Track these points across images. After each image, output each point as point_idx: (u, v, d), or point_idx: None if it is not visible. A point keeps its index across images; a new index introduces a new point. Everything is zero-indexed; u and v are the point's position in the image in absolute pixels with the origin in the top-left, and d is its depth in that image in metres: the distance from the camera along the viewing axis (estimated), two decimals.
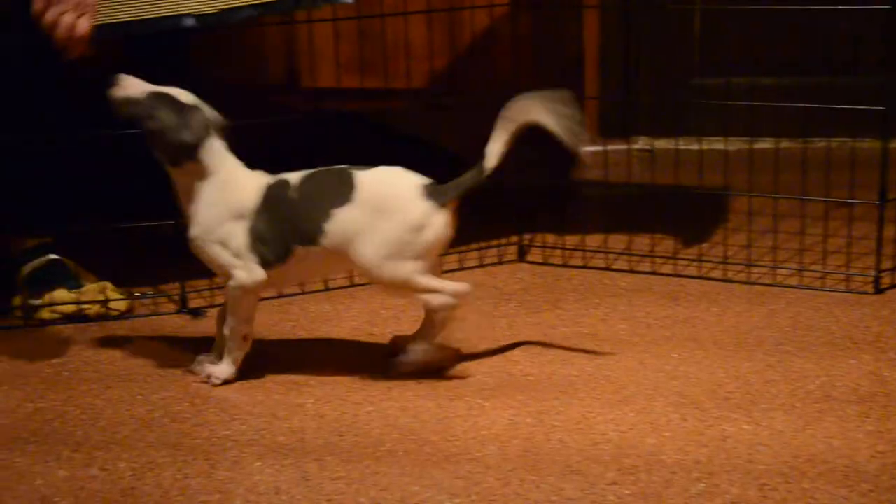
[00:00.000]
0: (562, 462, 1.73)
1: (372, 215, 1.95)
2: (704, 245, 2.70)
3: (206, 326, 2.31)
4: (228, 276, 2.00)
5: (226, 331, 2.03)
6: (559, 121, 1.93)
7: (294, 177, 2.01)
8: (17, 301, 2.37)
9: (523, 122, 1.96)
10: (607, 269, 2.62)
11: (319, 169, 2.03)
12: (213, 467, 1.74)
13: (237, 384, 2.03)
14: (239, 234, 1.97)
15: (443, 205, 1.97)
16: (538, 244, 2.72)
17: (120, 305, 2.38)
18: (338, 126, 3.15)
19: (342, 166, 2.02)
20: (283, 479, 1.70)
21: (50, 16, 1.87)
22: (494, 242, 2.71)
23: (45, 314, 2.34)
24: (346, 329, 2.30)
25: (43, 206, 2.45)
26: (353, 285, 2.52)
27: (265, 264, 1.99)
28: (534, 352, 2.16)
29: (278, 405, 1.95)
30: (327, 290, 2.50)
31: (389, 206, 1.96)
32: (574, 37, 3.26)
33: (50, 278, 2.37)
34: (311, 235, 1.97)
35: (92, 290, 2.37)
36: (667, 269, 2.59)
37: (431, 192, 1.98)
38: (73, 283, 2.37)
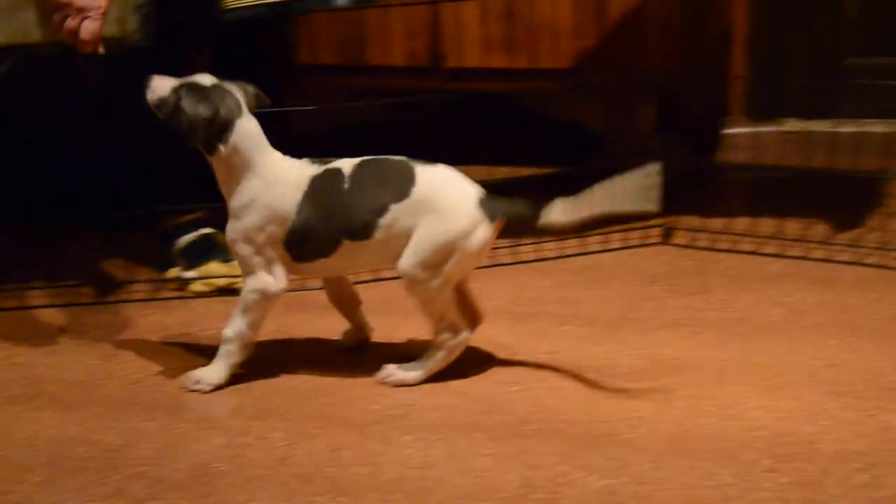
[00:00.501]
0: (715, 447, 1.70)
1: (423, 214, 1.88)
2: (859, 230, 2.61)
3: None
4: (250, 276, 1.94)
5: (229, 332, 1.95)
6: (637, 199, 1.84)
7: (345, 165, 1.93)
8: (172, 274, 2.45)
9: (605, 211, 1.89)
10: (756, 253, 2.55)
11: (373, 157, 1.94)
12: (364, 440, 1.77)
13: (383, 359, 2.05)
14: (275, 238, 1.90)
15: (492, 219, 1.90)
16: (683, 227, 2.67)
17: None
18: (480, 107, 3.16)
19: (399, 157, 1.94)
20: (432, 454, 1.72)
21: (56, 18, 1.92)
22: (639, 224, 2.67)
23: (199, 286, 2.41)
24: (488, 308, 2.29)
25: (194, 182, 2.53)
26: (495, 265, 2.52)
27: (300, 258, 1.93)
28: (682, 335, 2.12)
29: (427, 381, 1.97)
30: None
31: (442, 207, 1.88)
32: (723, 15, 3.18)
33: (204, 252, 2.44)
34: (362, 229, 1.90)
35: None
36: (819, 254, 2.52)
37: (484, 203, 1.90)
38: (226, 257, 2.43)
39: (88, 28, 1.92)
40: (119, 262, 2.57)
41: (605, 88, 2.88)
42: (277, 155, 1.95)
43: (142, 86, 1.91)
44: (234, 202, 1.93)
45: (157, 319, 2.28)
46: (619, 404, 1.86)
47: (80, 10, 1.91)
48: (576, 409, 1.85)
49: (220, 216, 2.39)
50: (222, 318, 2.25)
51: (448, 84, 2.90)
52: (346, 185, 1.90)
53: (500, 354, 2.07)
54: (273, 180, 1.91)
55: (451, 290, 1.92)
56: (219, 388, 1.94)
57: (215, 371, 1.95)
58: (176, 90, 1.90)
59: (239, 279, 2.39)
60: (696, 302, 2.28)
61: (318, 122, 2.35)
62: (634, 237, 2.64)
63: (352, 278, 2.08)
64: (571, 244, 2.59)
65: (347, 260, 1.94)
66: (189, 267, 2.43)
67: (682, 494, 1.58)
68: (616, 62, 2.71)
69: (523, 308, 2.28)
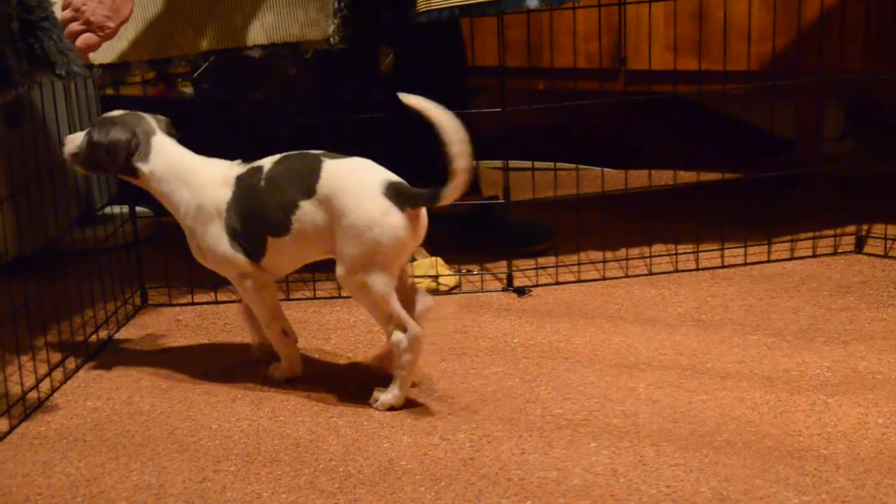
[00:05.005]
0: None
1: (332, 209, 1.83)
2: None
3: (531, 304, 2.33)
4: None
5: (266, 331, 2.00)
6: None
7: (266, 163, 1.92)
8: None
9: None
10: None
11: (290, 153, 1.92)
12: (549, 444, 1.76)
13: (567, 363, 2.04)
14: (220, 233, 1.92)
15: (402, 207, 1.81)
16: (878, 235, 2.56)
17: (449, 281, 2.45)
18: (663, 110, 3.11)
19: (314, 152, 1.90)
20: (619, 462, 1.69)
21: (65, 15, 1.99)
22: (829, 232, 2.57)
23: None
24: (672, 315, 2.25)
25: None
26: (677, 271, 2.47)
27: (248, 256, 1.93)
28: (880, 348, 2.03)
29: (609, 387, 1.94)
30: (651, 274, 2.47)
31: (346, 201, 1.82)
32: None
33: None
34: (279, 227, 1.88)
35: (424, 264, 2.46)
36: None
37: (392, 193, 1.81)
38: (415, 256, 2.45)
39: (86, 40, 2.00)
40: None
41: (794, 92, 2.79)
42: (202, 160, 1.97)
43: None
44: (184, 220, 1.96)
45: (341, 317, 2.32)
46: (813, 418, 1.79)
47: (88, 23, 1.99)
48: (767, 420, 1.79)
49: None
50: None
51: (629, 87, 2.86)
52: (262, 183, 1.90)
53: (686, 362, 2.02)
54: (201, 184, 1.94)
55: (388, 287, 1.83)
56: (290, 381, 2.01)
57: (282, 368, 2.02)
58: (87, 132, 1.97)
59: (418, 279, 2.43)
60: (894, 314, 2.18)
61: (501, 125, 2.35)
62: (824, 245, 2.54)
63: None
64: (757, 251, 2.52)
65: (283, 256, 1.93)
66: None
67: None
68: (807, 65, 2.62)
69: (708, 316, 2.23)
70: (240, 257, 1.93)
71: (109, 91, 2.68)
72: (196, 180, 1.94)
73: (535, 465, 1.70)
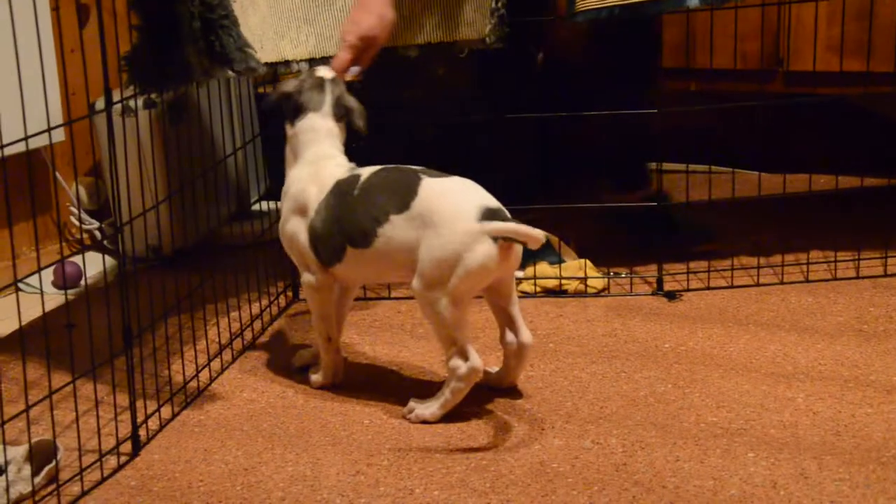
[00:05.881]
0: None
1: (423, 228, 1.79)
2: None
3: (682, 309, 2.29)
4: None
5: (314, 331, 2.01)
6: None
7: (364, 172, 1.90)
8: None
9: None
10: None
11: (390, 166, 1.89)
12: (704, 453, 1.72)
13: (721, 370, 1.99)
14: (301, 228, 1.93)
15: (495, 238, 1.76)
16: None
17: (597, 283, 2.43)
18: (824, 112, 3.01)
19: (414, 167, 1.86)
20: (779, 474, 1.64)
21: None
22: None
23: (527, 287, 2.44)
24: (831, 324, 2.18)
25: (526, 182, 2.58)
26: (835, 279, 2.39)
27: (322, 261, 1.92)
28: None
29: (766, 396, 1.89)
30: (808, 281, 2.39)
31: (439, 221, 1.78)
32: None
33: (535, 252, 2.45)
34: (361, 237, 1.86)
35: (572, 266, 2.44)
36: None
37: (489, 217, 1.76)
38: (556, 259, 2.44)
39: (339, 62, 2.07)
40: None
41: None
42: (335, 155, 1.97)
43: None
44: (283, 194, 2.00)
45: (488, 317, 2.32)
46: None
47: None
48: None
49: (551, 216, 2.42)
50: (550, 319, 2.29)
51: (789, 89, 2.78)
52: (356, 192, 1.88)
53: (847, 373, 1.95)
54: (315, 174, 1.94)
55: (462, 312, 1.80)
56: (323, 387, 2.00)
57: (318, 376, 2.02)
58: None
59: (566, 281, 2.41)
60: None
61: (657, 126, 2.32)
62: None
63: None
64: None
65: (358, 268, 1.90)
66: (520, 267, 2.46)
67: None
68: None
69: (869, 326, 2.15)
70: (312, 256, 1.95)
71: (268, 88, 2.74)
72: (315, 169, 1.96)
73: (690, 473, 1.66)
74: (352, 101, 2.00)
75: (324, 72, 2.03)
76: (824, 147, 3.05)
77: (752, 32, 2.73)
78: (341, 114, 2.00)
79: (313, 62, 2.31)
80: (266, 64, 2.27)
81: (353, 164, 1.97)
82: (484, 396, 1.93)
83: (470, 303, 1.83)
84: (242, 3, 2.11)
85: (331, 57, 2.31)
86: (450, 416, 1.87)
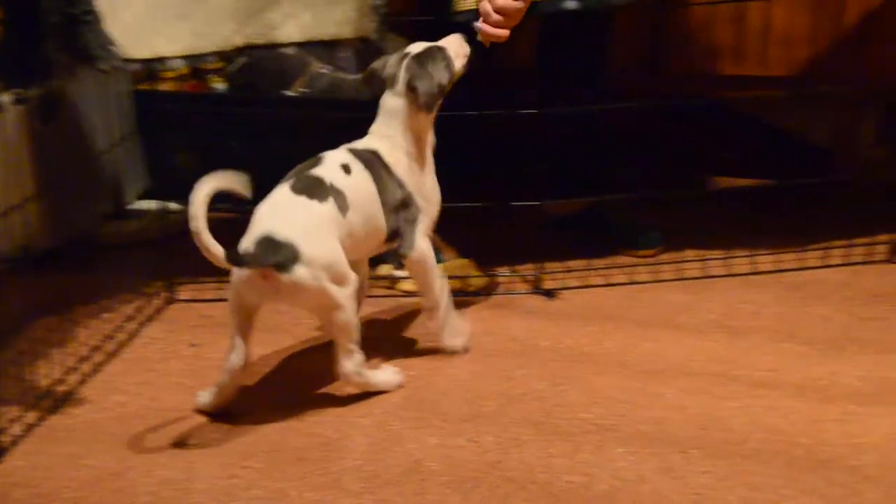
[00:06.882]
0: None
1: None
2: None
3: (559, 307, 2.32)
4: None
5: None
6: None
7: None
8: (382, 271, 2.49)
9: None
10: None
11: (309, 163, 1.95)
12: (576, 449, 1.75)
13: (596, 367, 2.03)
14: None
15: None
16: None
17: (478, 282, 2.44)
18: (696, 113, 3.08)
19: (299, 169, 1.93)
20: (647, 468, 1.68)
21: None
22: (862, 240, 2.54)
23: (408, 286, 2.44)
24: (702, 321, 2.23)
25: None
26: (708, 276, 2.45)
27: None
28: None
29: (638, 392, 1.93)
30: (682, 279, 2.45)
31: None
32: None
33: None
34: None
35: (454, 265, 2.45)
36: None
37: (259, 246, 1.81)
38: (437, 257, 2.45)
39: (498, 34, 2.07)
40: None
41: (830, 99, 2.75)
42: (372, 132, 2.02)
43: None
44: None
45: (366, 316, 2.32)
46: (843, 428, 1.77)
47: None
48: (797, 430, 1.77)
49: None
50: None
51: (667, 90, 2.84)
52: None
53: (716, 369, 2.00)
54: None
55: (231, 321, 1.88)
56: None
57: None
58: None
59: (456, 280, 2.42)
60: None
61: None
62: (858, 254, 2.51)
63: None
64: (789, 258, 2.49)
65: None
66: (398, 265, 2.46)
67: None
68: (848, 71, 2.59)
69: (739, 322, 2.21)
70: None
71: (144, 86, 2.69)
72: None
73: (561, 469, 1.69)
74: (423, 82, 1.98)
75: (411, 47, 2.02)
76: (698, 148, 3.12)
77: (632, 34, 2.79)
78: (411, 91, 1.99)
79: (189, 59, 2.28)
80: (140, 60, 2.23)
81: (355, 146, 1.99)
82: (362, 396, 1.93)
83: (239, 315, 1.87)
84: None
85: (209, 54, 2.28)
86: (325, 416, 1.86)
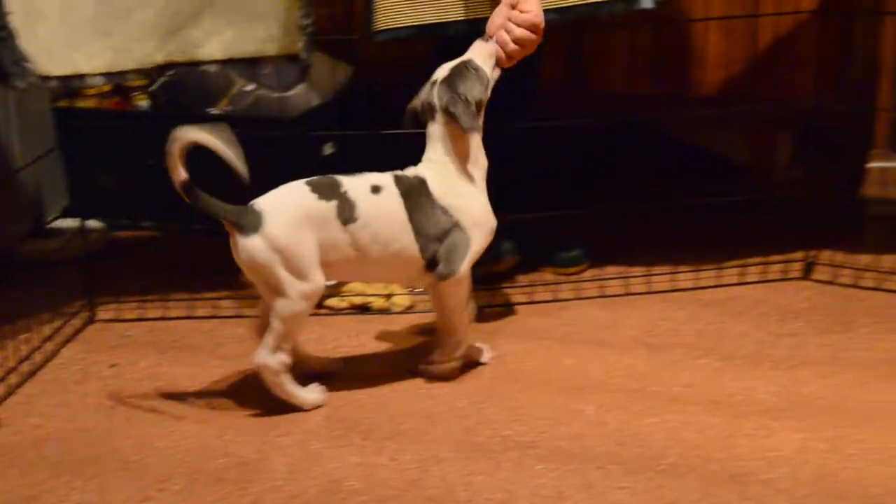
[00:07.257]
0: (860, 493, 1.64)
1: None
2: None
3: (484, 325, 2.33)
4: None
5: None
6: (228, 147, 1.82)
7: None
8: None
9: (187, 142, 1.81)
10: None
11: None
12: (496, 467, 1.76)
13: (518, 384, 2.04)
14: None
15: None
16: (825, 262, 2.59)
17: (403, 301, 2.45)
18: (617, 132, 3.12)
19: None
20: (566, 485, 1.70)
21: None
22: (778, 258, 2.60)
23: (334, 302, 2.44)
24: (623, 337, 2.26)
25: None
26: (628, 294, 2.49)
27: None
28: (824, 374, 2.05)
29: (559, 409, 1.94)
30: (603, 297, 2.48)
31: None
32: (870, 46, 3.08)
33: None
34: None
35: (379, 283, 2.45)
36: None
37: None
38: None
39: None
40: None
41: (747, 119, 2.81)
42: (426, 157, 2.03)
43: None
44: None
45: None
46: (757, 442, 1.81)
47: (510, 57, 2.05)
48: (712, 444, 1.80)
49: None
50: (355, 336, 2.29)
51: (587, 109, 2.87)
52: None
53: (635, 385, 2.03)
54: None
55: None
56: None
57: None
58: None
59: (372, 298, 2.42)
60: (839, 340, 2.21)
61: None
62: (774, 271, 2.57)
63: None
64: (707, 275, 2.54)
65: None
66: (329, 284, 2.46)
67: None
68: (763, 92, 2.65)
69: (657, 339, 2.24)
70: None
71: (63, 103, 2.66)
72: None
73: (481, 486, 1.70)
74: (458, 106, 1.96)
75: (437, 72, 2.01)
76: (619, 167, 3.17)
77: (554, 53, 2.82)
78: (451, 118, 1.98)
79: (109, 76, 2.26)
80: (58, 77, 2.20)
81: (404, 172, 2.00)
82: (284, 415, 1.92)
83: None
84: (29, 14, 2.04)
85: (129, 72, 2.26)
86: (245, 436, 1.85)
